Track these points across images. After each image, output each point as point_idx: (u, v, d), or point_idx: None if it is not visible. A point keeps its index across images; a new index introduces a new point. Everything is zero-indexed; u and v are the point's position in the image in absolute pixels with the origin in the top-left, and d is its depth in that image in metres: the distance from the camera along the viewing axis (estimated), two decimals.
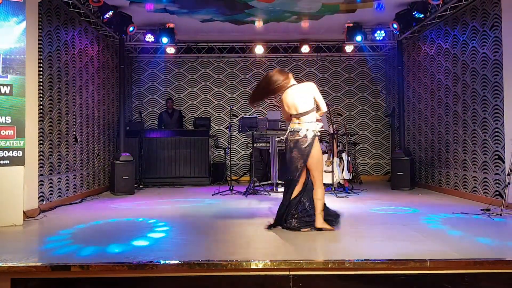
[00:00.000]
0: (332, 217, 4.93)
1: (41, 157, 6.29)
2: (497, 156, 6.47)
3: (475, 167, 7.07)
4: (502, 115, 6.29)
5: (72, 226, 5.18)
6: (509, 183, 5.87)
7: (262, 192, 8.06)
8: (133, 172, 8.39)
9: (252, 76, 11.18)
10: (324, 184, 8.35)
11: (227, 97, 11.18)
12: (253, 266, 3.45)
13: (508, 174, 5.85)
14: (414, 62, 9.34)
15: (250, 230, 4.95)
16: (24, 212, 5.41)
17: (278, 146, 8.62)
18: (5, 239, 4.62)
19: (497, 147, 6.47)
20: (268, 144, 8.68)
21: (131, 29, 8.53)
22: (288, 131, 4.98)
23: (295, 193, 4.87)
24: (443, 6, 7.54)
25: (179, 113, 10.58)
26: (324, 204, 4.88)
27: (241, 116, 10.46)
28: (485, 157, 6.77)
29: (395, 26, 8.53)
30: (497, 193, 6.43)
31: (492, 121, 6.58)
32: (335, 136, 8.26)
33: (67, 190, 7.19)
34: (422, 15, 8.00)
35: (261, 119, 8.27)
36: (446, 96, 7.98)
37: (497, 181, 6.46)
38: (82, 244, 4.24)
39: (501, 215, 5.58)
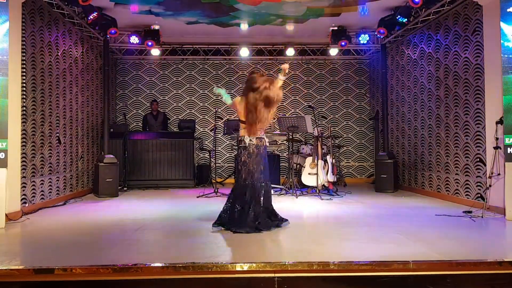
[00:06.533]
0: None
1: (24, 159, 6.21)
2: (478, 159, 6.58)
3: (457, 170, 7.18)
4: (484, 119, 6.39)
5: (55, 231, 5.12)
6: (490, 186, 5.97)
7: None
8: (117, 174, 8.32)
9: (237, 78, 11.18)
10: (309, 187, 8.47)
11: (212, 99, 11.15)
12: (238, 268, 3.46)
13: (490, 177, 5.95)
14: (398, 65, 9.45)
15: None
16: (6, 214, 5.34)
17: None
18: None
19: (478, 150, 6.57)
20: None
21: (112, 31, 8.48)
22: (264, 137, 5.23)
23: None
24: (426, 10, 7.65)
25: (163, 115, 10.53)
26: None
27: (226, 118, 10.46)
28: (467, 160, 6.88)
29: (381, 31, 8.61)
30: (479, 195, 6.54)
31: (474, 125, 6.69)
32: (320, 138, 8.34)
33: (50, 192, 7.11)
34: (406, 19, 8.11)
35: None
36: (429, 100, 8.09)
37: (479, 184, 6.57)
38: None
39: (482, 217, 5.67)
